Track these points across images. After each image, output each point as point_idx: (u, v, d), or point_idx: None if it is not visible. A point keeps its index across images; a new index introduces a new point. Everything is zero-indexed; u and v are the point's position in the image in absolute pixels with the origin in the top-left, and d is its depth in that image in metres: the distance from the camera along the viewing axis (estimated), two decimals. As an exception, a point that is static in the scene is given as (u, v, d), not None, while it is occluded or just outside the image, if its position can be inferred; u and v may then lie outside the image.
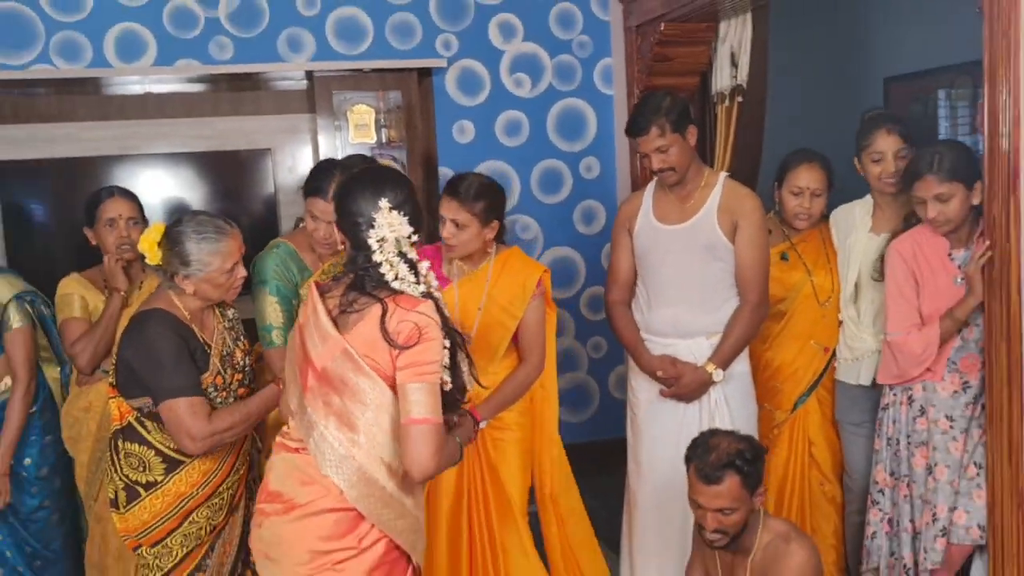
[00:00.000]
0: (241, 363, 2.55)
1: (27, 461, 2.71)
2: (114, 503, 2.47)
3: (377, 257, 1.90)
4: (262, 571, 2.05)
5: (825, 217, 3.23)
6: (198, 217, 2.45)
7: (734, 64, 4.08)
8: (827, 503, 3.26)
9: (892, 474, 2.93)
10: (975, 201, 2.67)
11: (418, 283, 1.94)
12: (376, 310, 1.88)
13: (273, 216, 4.51)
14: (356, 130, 4.41)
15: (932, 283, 2.78)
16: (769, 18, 4.09)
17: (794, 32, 5.13)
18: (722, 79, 4.13)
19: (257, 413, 2.48)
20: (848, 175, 3.15)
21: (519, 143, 4.73)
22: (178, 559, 2.43)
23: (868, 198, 3.13)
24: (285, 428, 2.08)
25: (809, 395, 3.22)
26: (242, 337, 2.63)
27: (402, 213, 1.93)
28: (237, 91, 4.49)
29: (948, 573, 2.83)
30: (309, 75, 4.38)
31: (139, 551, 2.44)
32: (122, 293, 2.83)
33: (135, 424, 2.43)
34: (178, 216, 2.52)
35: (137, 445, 2.42)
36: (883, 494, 2.96)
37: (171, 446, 2.41)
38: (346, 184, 2.04)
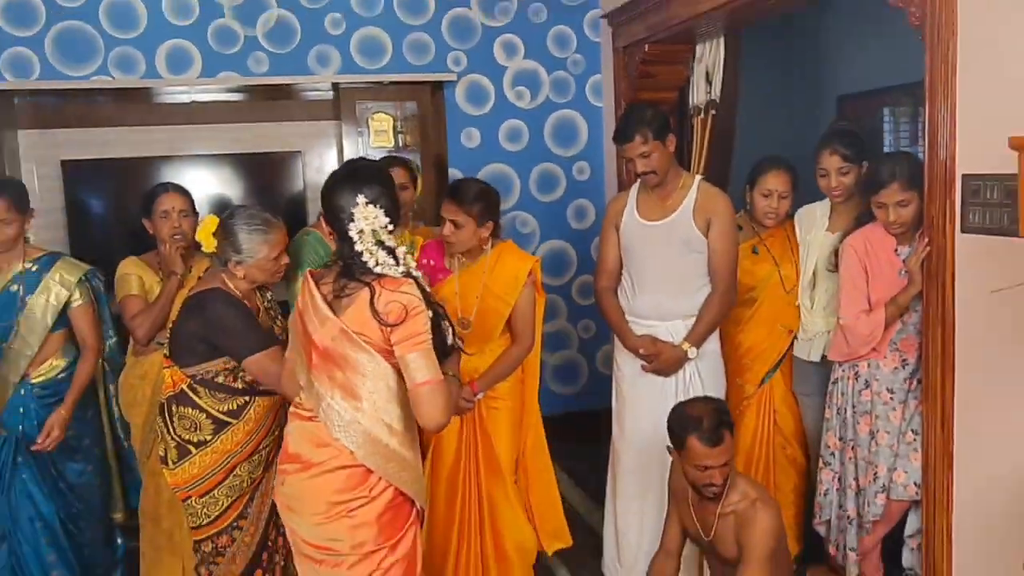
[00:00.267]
0: (278, 338, 2.59)
1: (71, 432, 2.71)
2: (164, 460, 2.48)
3: (358, 247, 1.93)
4: (286, 520, 2.10)
5: (790, 216, 3.24)
6: (248, 211, 2.48)
7: (709, 81, 4.08)
8: (789, 464, 3.26)
9: (840, 439, 2.95)
10: None
11: (397, 265, 1.96)
12: (365, 294, 1.91)
13: (303, 211, 4.53)
14: (376, 135, 4.45)
15: (880, 275, 2.80)
16: (740, 42, 4.11)
17: (761, 54, 5.11)
18: (698, 94, 4.14)
19: None
20: (810, 179, 3.16)
21: (519, 148, 4.75)
22: (223, 508, 2.45)
23: (827, 201, 3.15)
24: (297, 400, 2.10)
25: (775, 371, 3.23)
26: (279, 316, 2.67)
27: (378, 206, 1.96)
28: (271, 100, 4.51)
29: (887, 525, 2.87)
30: (335, 87, 4.41)
31: (188, 502, 2.46)
32: (179, 276, 2.85)
33: (187, 391, 2.45)
34: (230, 210, 2.54)
35: (189, 409, 2.44)
36: (833, 456, 2.99)
37: (220, 409, 2.44)
38: (329, 183, 2.05)
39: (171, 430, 2.46)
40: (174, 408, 2.46)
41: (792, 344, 3.22)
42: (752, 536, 2.38)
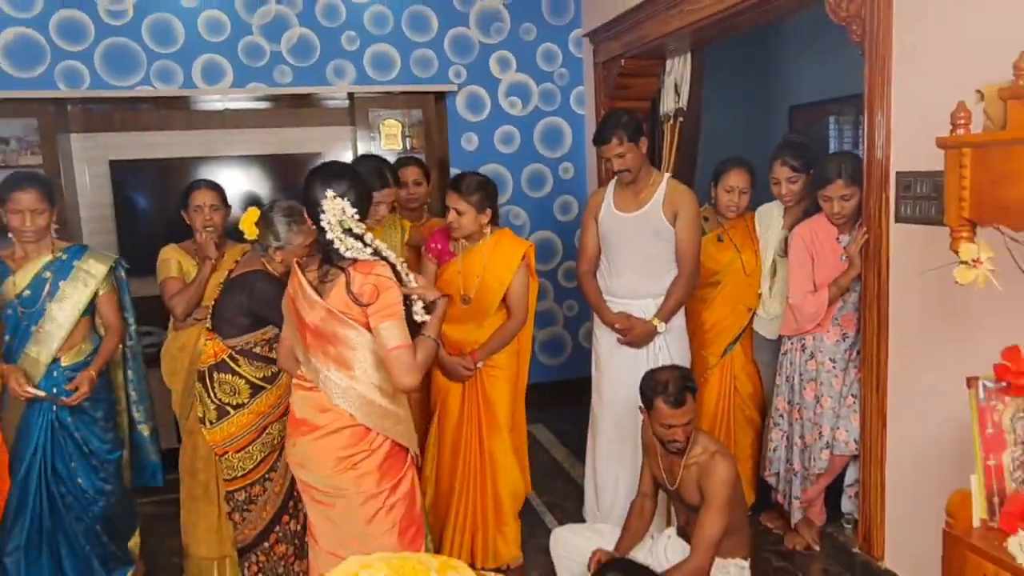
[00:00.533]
0: None
1: (99, 413, 2.62)
2: (202, 421, 2.49)
3: (329, 235, 1.93)
4: (298, 475, 2.12)
5: (750, 209, 3.24)
6: (285, 205, 2.48)
7: (677, 92, 4.08)
8: (747, 424, 3.29)
9: (789, 403, 2.98)
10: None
11: (366, 248, 1.95)
12: (342, 279, 1.92)
13: (321, 205, 4.51)
14: (387, 139, 4.43)
15: (824, 260, 2.82)
16: (704, 57, 4.12)
17: (723, 69, 5.12)
18: (667, 103, 4.14)
19: None
20: (766, 177, 3.15)
21: (512, 151, 4.74)
22: (257, 462, 2.48)
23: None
24: (299, 372, 2.10)
25: (735, 344, 3.24)
26: None
27: (345, 199, 1.95)
28: (294, 108, 4.49)
29: (829, 476, 2.91)
30: (350, 96, 4.38)
31: (226, 456, 2.47)
32: (212, 261, 2.84)
33: (228, 360, 2.46)
34: (269, 203, 2.54)
35: (229, 376, 2.46)
36: (782, 418, 3.02)
37: (256, 376, 2.47)
38: (305, 180, 2.04)
39: (211, 394, 2.47)
40: (215, 375, 2.47)
41: (751, 320, 3.24)
42: (712, 485, 2.40)
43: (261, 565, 2.53)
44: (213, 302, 2.56)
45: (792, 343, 2.95)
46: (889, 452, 2.61)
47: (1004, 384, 1.73)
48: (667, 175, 2.97)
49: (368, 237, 1.99)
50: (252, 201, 3.94)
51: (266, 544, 2.52)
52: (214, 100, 4.31)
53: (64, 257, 2.48)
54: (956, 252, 1.71)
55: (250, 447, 2.47)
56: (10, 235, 2.49)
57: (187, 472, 2.90)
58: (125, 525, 2.74)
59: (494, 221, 2.89)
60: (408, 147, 4.43)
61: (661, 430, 2.41)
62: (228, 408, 2.45)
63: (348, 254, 1.94)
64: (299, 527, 2.54)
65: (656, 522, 2.85)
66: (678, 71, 4.08)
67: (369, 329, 1.94)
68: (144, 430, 2.91)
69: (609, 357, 3.01)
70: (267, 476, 2.50)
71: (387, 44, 4.47)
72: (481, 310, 2.87)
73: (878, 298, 2.57)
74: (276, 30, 4.29)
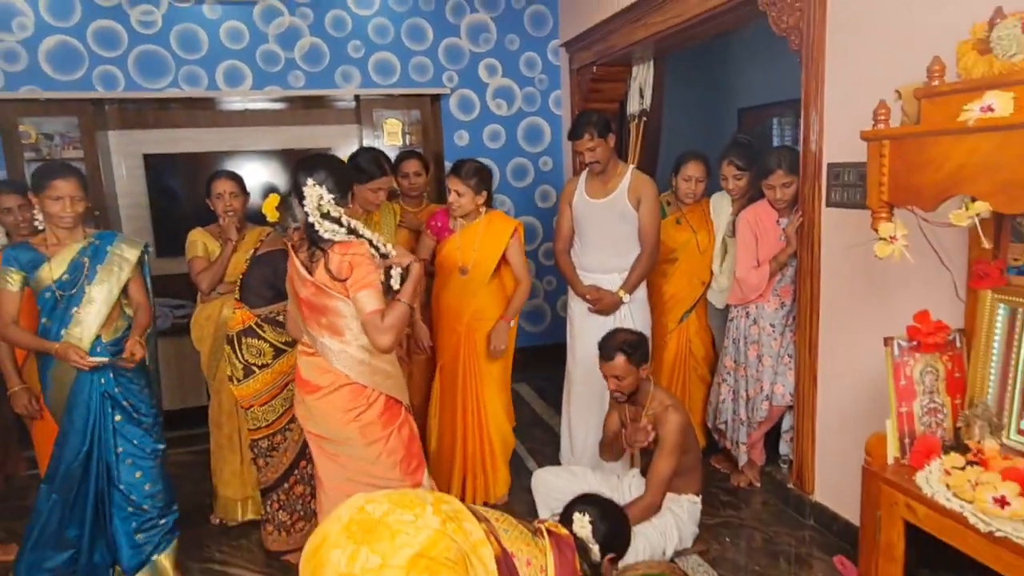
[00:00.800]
0: None
1: (142, 381, 2.41)
2: (231, 379, 2.49)
3: (310, 220, 1.90)
4: (306, 426, 2.11)
5: (706, 195, 3.24)
6: None
7: (641, 95, 4.06)
8: (699, 381, 3.31)
9: (735, 362, 3.00)
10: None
11: (342, 228, 1.91)
12: (324, 258, 1.91)
13: (332, 195, 4.47)
14: (389, 136, 4.39)
15: (765, 239, 2.84)
16: (665, 66, 4.10)
17: (681, 75, 5.10)
18: (633, 105, 4.12)
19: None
20: (718, 170, 3.16)
21: (499, 146, 4.71)
22: (279, 414, 2.49)
23: None
24: (303, 339, 2.08)
25: (691, 312, 3.25)
26: None
27: (323, 187, 1.91)
28: (307, 108, 4.43)
29: (768, 424, 2.95)
30: (357, 98, 4.33)
31: (251, 410, 2.48)
32: (233, 242, 2.82)
33: (254, 327, 2.46)
34: (288, 189, 2.50)
35: (255, 340, 2.46)
36: (729, 374, 3.04)
37: (279, 340, 2.46)
38: (292, 170, 2.00)
39: (239, 356, 2.46)
40: (243, 339, 2.46)
41: (704, 292, 3.25)
42: (664, 432, 2.44)
43: (282, 503, 2.55)
44: (241, 276, 2.54)
45: (738, 311, 2.97)
46: (819, 402, 2.65)
47: (915, 343, 1.77)
48: (632, 167, 2.95)
49: (345, 219, 1.94)
50: (271, 190, 3.89)
51: (286, 485, 2.54)
52: (235, 101, 4.24)
53: (97, 243, 2.35)
54: (876, 230, 1.73)
55: (272, 401, 2.48)
56: (35, 223, 2.32)
57: (214, 424, 2.90)
58: (167, 492, 2.46)
59: (488, 203, 2.88)
60: (408, 143, 4.39)
61: (606, 381, 2.49)
62: (254, 368, 2.45)
63: (327, 235, 1.91)
64: (315, 469, 2.55)
65: (622, 464, 2.90)
66: (642, 77, 4.06)
67: (352, 300, 1.92)
68: None
69: (581, 324, 3.01)
70: (287, 427, 2.51)
71: (389, 52, 4.41)
72: (478, 279, 2.85)
73: (811, 272, 2.59)
74: (290, 39, 4.23)
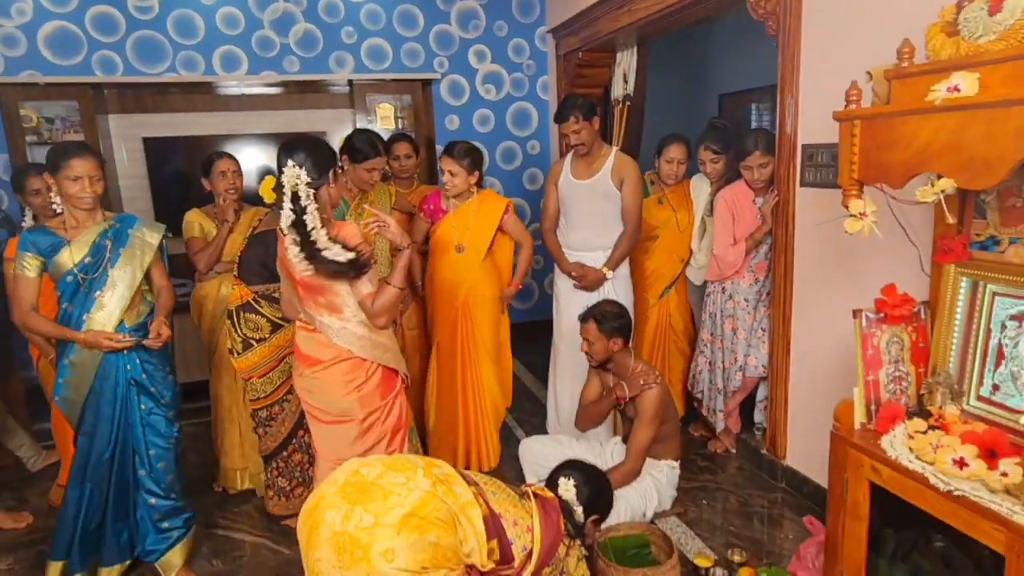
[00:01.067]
0: None
1: (167, 368, 2.28)
2: (231, 351, 2.47)
3: (284, 202, 1.81)
4: (304, 399, 2.08)
5: (687, 176, 3.22)
6: None
7: (625, 80, 4.03)
8: (678, 353, 3.32)
9: (711, 334, 3.01)
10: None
11: (292, 215, 1.80)
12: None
13: (326, 177, 4.42)
14: (382, 120, 4.33)
15: (742, 218, 2.83)
16: (648, 52, 4.05)
17: (664, 61, 5.07)
18: (617, 89, 4.09)
19: None
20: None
21: (488, 131, 4.66)
22: (276, 386, 2.48)
23: None
24: (301, 316, 2.02)
25: (671, 288, 3.24)
26: None
27: (303, 169, 1.81)
28: (302, 93, 4.36)
29: (743, 393, 2.97)
30: (350, 83, 4.26)
31: (251, 381, 2.47)
32: (230, 223, 2.78)
33: (252, 303, 2.44)
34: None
35: (253, 315, 2.43)
36: (707, 347, 3.05)
37: (276, 316, 2.43)
38: (277, 151, 1.92)
39: (238, 330, 2.44)
40: (241, 314, 2.44)
41: (684, 268, 3.26)
42: (644, 403, 2.45)
43: (281, 470, 2.55)
44: (239, 254, 2.50)
45: (715, 286, 2.97)
46: (792, 372, 2.66)
47: (882, 315, 1.77)
48: (615, 149, 2.93)
49: (312, 208, 1.80)
50: (267, 172, 3.83)
51: (284, 453, 2.54)
52: (232, 86, 4.16)
53: (118, 225, 2.18)
54: (847, 207, 1.72)
55: (270, 374, 2.46)
56: (53, 205, 2.10)
57: (215, 398, 2.90)
58: (180, 479, 2.36)
59: (480, 183, 2.86)
60: (400, 127, 4.34)
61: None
62: (252, 341, 2.43)
63: (282, 222, 1.80)
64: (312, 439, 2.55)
65: (605, 432, 2.92)
66: (627, 62, 4.02)
67: None
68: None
69: (567, 300, 3.01)
70: (285, 398, 2.50)
71: (381, 38, 4.34)
72: (474, 255, 2.84)
73: (785, 248, 2.59)
74: (284, 25, 4.14)
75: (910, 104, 1.52)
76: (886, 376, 1.78)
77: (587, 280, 2.90)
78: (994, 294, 1.68)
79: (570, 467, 1.93)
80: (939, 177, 1.49)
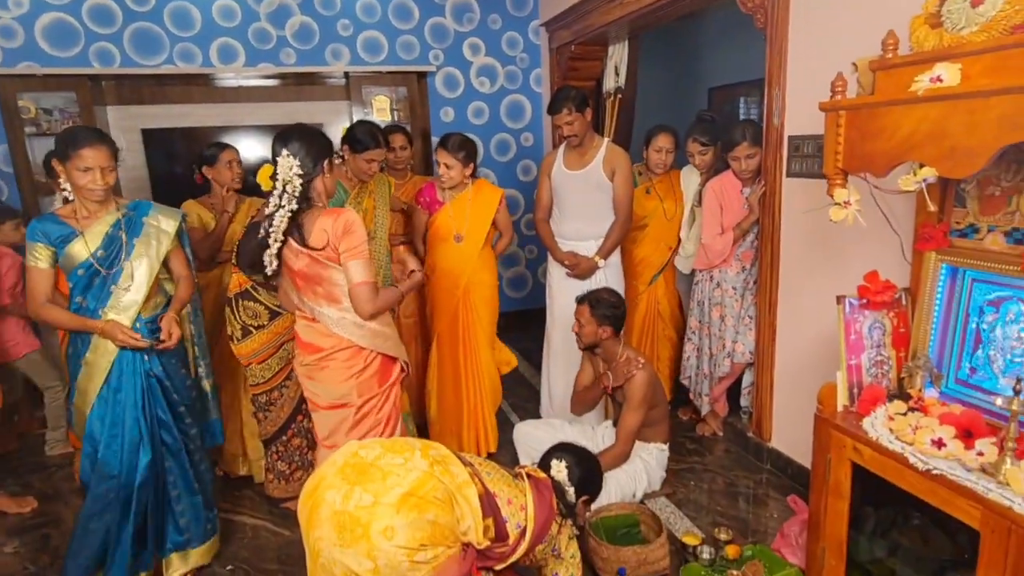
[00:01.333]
0: None
1: (184, 367, 2.19)
2: (231, 337, 2.45)
3: (273, 193, 1.77)
4: (305, 385, 2.05)
5: (675, 167, 3.22)
6: None
7: (617, 73, 4.02)
8: (666, 340, 3.33)
9: (699, 322, 3.02)
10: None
11: (285, 208, 1.79)
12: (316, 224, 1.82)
13: (323, 168, 4.40)
14: (378, 112, 4.30)
15: (730, 208, 2.83)
16: (639, 45, 4.04)
17: (654, 54, 5.06)
18: (608, 82, 4.08)
19: None
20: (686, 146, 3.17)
21: (483, 123, 4.64)
22: (275, 371, 2.48)
23: None
24: (300, 307, 1.99)
25: (659, 275, 3.25)
26: None
27: (295, 158, 1.78)
28: (299, 85, 4.31)
29: (730, 379, 2.98)
30: (346, 75, 4.23)
31: (250, 367, 2.46)
32: (230, 214, 2.77)
33: (251, 290, 2.43)
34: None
35: (251, 303, 2.42)
36: (695, 334, 3.07)
37: (274, 303, 2.42)
38: (272, 140, 1.86)
39: (238, 317, 2.43)
40: (240, 302, 2.43)
41: (672, 256, 3.26)
42: (631, 388, 2.46)
43: (280, 454, 2.55)
44: (237, 243, 2.47)
45: (703, 275, 2.97)
46: (777, 358, 2.68)
47: (865, 301, 1.78)
48: (607, 140, 2.92)
49: (289, 199, 1.78)
50: (265, 163, 3.81)
51: (284, 437, 2.54)
52: (229, 78, 4.12)
53: (131, 214, 2.02)
54: (831, 196, 1.73)
55: (269, 360, 2.46)
56: (64, 192, 1.96)
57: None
58: (207, 478, 2.26)
59: (474, 174, 2.86)
60: (396, 119, 4.31)
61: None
62: (251, 328, 2.42)
63: (269, 205, 1.78)
64: (311, 424, 2.52)
65: (596, 416, 2.94)
66: (618, 56, 4.00)
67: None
68: (206, 386, 2.38)
69: (560, 288, 3.01)
70: (283, 384, 2.50)
71: (376, 31, 4.30)
72: (472, 245, 2.84)
73: (772, 237, 2.60)
74: (281, 17, 4.10)
75: (894, 94, 1.52)
76: (868, 360, 1.79)
77: (580, 268, 2.90)
78: (973, 280, 1.69)
79: (562, 449, 1.94)
80: (921, 166, 1.50)
